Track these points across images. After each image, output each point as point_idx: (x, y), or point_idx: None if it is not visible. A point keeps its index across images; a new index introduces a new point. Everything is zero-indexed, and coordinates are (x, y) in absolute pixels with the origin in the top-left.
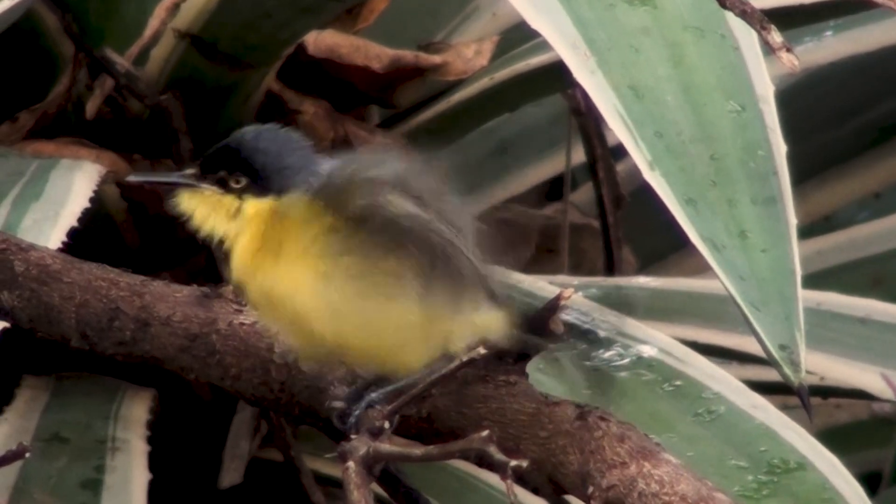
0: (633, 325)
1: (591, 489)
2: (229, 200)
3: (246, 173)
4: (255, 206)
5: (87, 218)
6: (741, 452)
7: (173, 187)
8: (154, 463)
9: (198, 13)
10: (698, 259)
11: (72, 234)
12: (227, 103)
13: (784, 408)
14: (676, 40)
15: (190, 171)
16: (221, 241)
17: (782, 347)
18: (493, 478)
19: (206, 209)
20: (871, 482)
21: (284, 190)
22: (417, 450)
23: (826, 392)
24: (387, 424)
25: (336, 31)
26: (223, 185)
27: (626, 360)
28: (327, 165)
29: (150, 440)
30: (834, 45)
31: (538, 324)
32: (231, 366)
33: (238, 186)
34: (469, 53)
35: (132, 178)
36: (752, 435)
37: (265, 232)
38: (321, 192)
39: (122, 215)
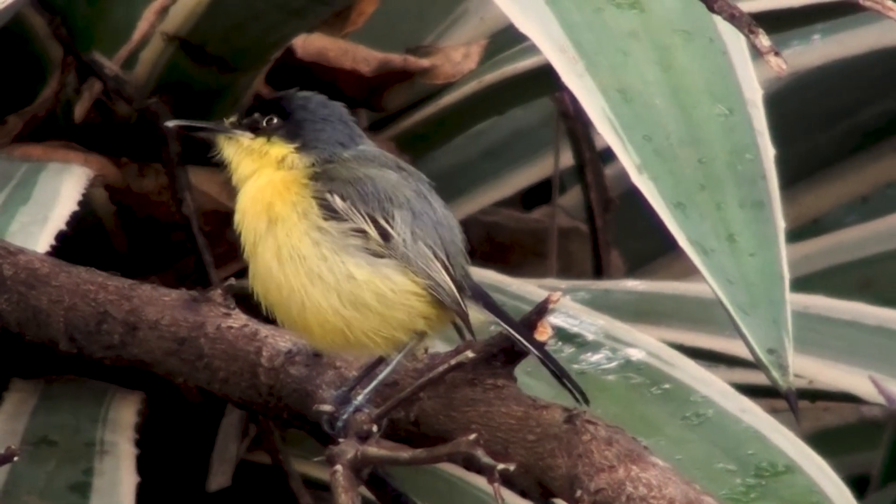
0: (622, 329)
1: (579, 493)
2: (258, 142)
3: (279, 115)
4: (278, 149)
5: (76, 221)
6: (729, 456)
7: (211, 132)
8: (142, 466)
9: (186, 17)
10: (686, 262)
11: (60, 237)
12: (216, 107)
13: (772, 411)
14: (664, 44)
15: (231, 119)
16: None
17: (770, 351)
18: (481, 481)
19: (238, 154)
20: (859, 485)
21: (309, 144)
22: (405, 453)
23: (814, 395)
24: (375, 428)
25: (324, 34)
26: (255, 129)
27: (615, 364)
28: (355, 147)
29: (139, 443)
30: (822, 48)
31: (526, 327)
32: (219, 369)
33: (268, 127)
34: (457, 57)
35: (171, 123)
36: (740, 438)
37: (276, 177)
38: (332, 171)
39: (111, 219)
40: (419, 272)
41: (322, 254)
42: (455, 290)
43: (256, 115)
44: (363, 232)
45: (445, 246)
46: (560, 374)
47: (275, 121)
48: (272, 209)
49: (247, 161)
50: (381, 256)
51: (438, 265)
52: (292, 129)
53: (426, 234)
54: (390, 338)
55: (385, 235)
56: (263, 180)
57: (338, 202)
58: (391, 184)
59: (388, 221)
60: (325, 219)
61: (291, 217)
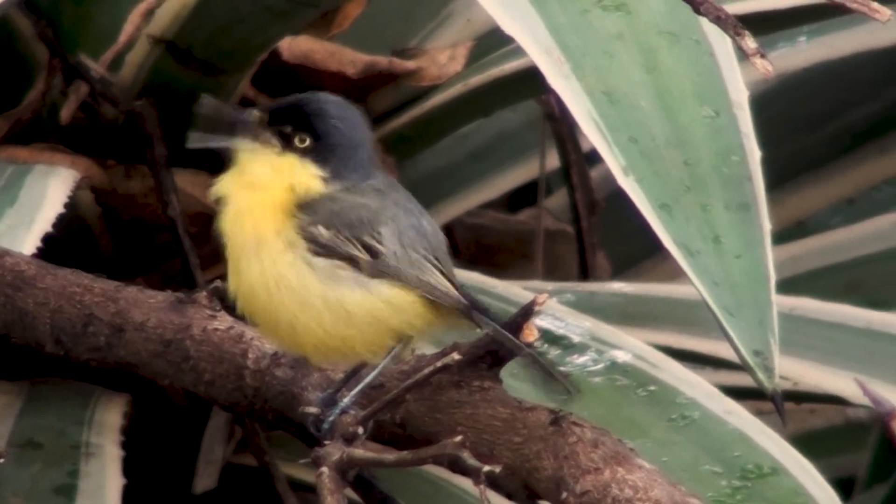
0: (607, 331)
1: (565, 495)
2: (288, 160)
3: (311, 134)
4: (306, 173)
5: (62, 224)
6: (715, 458)
7: (239, 131)
8: (128, 468)
9: (172, 19)
10: (672, 264)
11: (46, 239)
12: None
13: (758, 413)
14: (650, 45)
15: (257, 116)
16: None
17: (756, 353)
18: (467, 483)
19: (259, 163)
20: (845, 487)
21: (338, 174)
22: (391, 455)
23: (800, 397)
24: (361, 430)
25: (310, 36)
26: (285, 141)
27: (600, 366)
28: (370, 177)
29: (125, 445)
30: (808, 50)
31: (512, 329)
32: (205, 371)
33: (301, 146)
34: (443, 59)
35: (195, 143)
36: (725, 440)
37: (267, 198)
38: (318, 204)
39: (97, 221)
40: (412, 280)
41: (310, 284)
42: (453, 289)
43: (289, 128)
44: (352, 263)
45: (434, 250)
46: (548, 369)
47: (307, 142)
48: (258, 230)
49: (266, 172)
50: (372, 278)
51: (432, 267)
52: (324, 153)
53: (415, 241)
54: (382, 347)
55: (374, 253)
56: (257, 198)
57: (323, 233)
58: (373, 210)
59: (374, 238)
60: (314, 253)
61: (277, 245)
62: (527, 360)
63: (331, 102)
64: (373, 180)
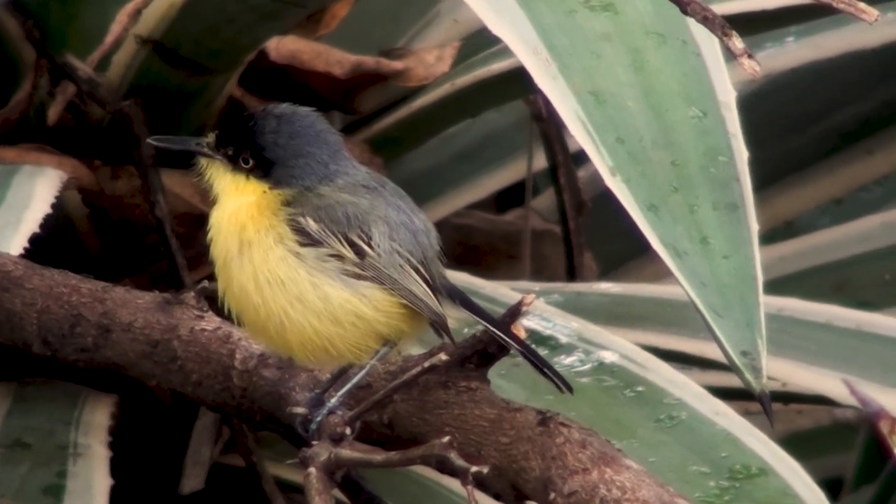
0: (595, 331)
1: (552, 495)
2: (239, 178)
3: (252, 152)
4: (255, 187)
5: (49, 224)
6: (703, 458)
7: (191, 153)
8: (116, 469)
9: (160, 19)
10: (660, 265)
11: (33, 240)
12: (189, 109)
13: (746, 414)
14: (638, 46)
15: (209, 138)
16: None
17: (744, 353)
18: (454, 483)
19: (221, 181)
20: (832, 488)
21: (283, 182)
22: (378, 456)
23: (788, 398)
24: (348, 430)
25: (298, 36)
26: (232, 160)
27: (588, 366)
28: (333, 176)
29: (112, 446)
30: (795, 50)
31: (500, 330)
32: (192, 372)
33: (245, 165)
34: (430, 59)
35: (152, 141)
36: (713, 441)
37: (251, 200)
38: (303, 199)
39: (84, 221)
40: (396, 288)
41: (300, 278)
42: (436, 301)
43: (231, 150)
44: (339, 256)
45: (423, 251)
46: (541, 365)
47: (250, 162)
48: (245, 232)
49: (229, 188)
50: (358, 277)
51: (417, 277)
52: (265, 167)
53: (403, 243)
54: (369, 348)
55: (360, 253)
56: (240, 202)
57: (311, 224)
58: (362, 209)
59: (362, 239)
60: (302, 244)
61: (267, 241)
62: (520, 358)
63: (270, 116)
64: (332, 181)
